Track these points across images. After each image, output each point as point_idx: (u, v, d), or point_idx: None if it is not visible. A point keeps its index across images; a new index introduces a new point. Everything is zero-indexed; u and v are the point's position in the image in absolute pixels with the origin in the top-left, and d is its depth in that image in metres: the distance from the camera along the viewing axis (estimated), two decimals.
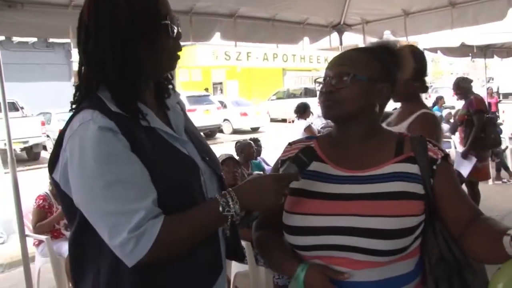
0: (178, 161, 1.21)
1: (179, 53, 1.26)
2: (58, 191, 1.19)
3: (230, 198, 1.14)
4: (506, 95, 32.32)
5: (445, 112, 9.86)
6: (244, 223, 1.22)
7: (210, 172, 1.31)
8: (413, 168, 1.26)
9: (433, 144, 1.32)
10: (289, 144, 1.47)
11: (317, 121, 8.91)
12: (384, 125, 1.87)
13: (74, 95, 1.22)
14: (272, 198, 1.17)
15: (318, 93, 1.35)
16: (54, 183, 1.21)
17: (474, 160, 5.01)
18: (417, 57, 2.30)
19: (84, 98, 1.19)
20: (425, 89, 2.43)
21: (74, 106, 1.20)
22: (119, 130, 1.11)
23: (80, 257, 1.21)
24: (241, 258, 1.46)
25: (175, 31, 1.22)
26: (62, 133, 1.16)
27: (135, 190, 1.09)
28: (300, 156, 1.25)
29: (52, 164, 1.18)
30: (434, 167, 1.26)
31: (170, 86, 1.36)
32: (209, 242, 1.24)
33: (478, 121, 5.02)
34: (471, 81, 5.39)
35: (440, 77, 34.95)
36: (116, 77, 1.16)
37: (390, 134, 1.37)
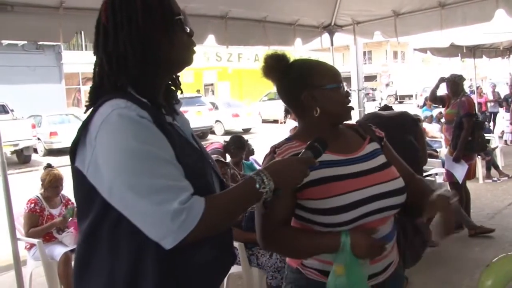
0: (198, 157, 1.28)
1: (194, 48, 1.32)
2: (78, 181, 1.20)
3: (265, 176, 1.20)
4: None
5: (435, 112, 9.86)
6: (269, 201, 1.27)
7: (215, 175, 1.36)
8: (376, 146, 1.62)
9: (373, 126, 1.69)
10: (275, 151, 1.54)
11: None
12: None
13: (91, 93, 1.25)
14: (298, 177, 1.28)
15: None
16: (75, 172, 1.20)
17: (466, 165, 5.03)
18: None
19: (108, 94, 1.20)
20: None
21: (91, 102, 1.23)
22: (152, 120, 1.15)
23: (89, 253, 1.20)
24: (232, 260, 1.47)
25: (189, 27, 1.29)
26: (87, 122, 1.17)
27: (179, 170, 1.13)
28: (315, 145, 1.36)
29: (74, 153, 1.19)
30: (382, 143, 1.65)
31: (179, 92, 1.40)
32: (222, 237, 1.30)
33: (468, 124, 4.99)
34: (463, 79, 5.31)
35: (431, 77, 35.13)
36: (138, 71, 1.20)
37: (345, 126, 1.65)
